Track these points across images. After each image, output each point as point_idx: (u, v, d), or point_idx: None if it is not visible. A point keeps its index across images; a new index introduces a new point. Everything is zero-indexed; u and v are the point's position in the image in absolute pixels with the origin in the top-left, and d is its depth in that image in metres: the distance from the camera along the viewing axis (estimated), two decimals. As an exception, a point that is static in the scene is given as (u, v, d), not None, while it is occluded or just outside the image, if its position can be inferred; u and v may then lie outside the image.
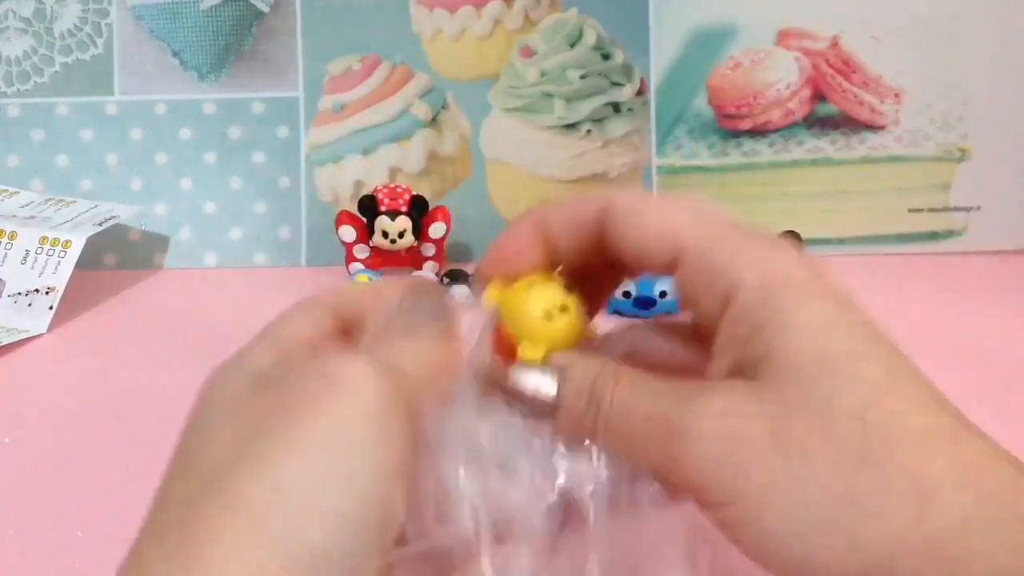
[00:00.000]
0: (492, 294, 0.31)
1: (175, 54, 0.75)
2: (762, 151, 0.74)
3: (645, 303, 0.61)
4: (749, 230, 0.28)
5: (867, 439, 0.24)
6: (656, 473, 0.27)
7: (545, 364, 0.29)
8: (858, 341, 0.26)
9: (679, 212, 0.29)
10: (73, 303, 0.64)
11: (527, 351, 0.29)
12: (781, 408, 0.25)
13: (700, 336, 0.29)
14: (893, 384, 0.25)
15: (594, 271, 0.32)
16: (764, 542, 0.25)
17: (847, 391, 0.25)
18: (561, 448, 0.29)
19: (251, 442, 0.25)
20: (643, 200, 0.30)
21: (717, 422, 0.25)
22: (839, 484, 0.24)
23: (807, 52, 0.74)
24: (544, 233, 0.31)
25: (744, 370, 0.26)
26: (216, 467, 0.25)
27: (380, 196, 0.66)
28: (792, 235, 0.62)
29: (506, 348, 0.30)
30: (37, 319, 0.62)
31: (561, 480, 0.29)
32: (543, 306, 0.29)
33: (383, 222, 0.66)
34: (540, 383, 0.29)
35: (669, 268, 0.29)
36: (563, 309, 0.29)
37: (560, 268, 0.31)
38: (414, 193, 0.67)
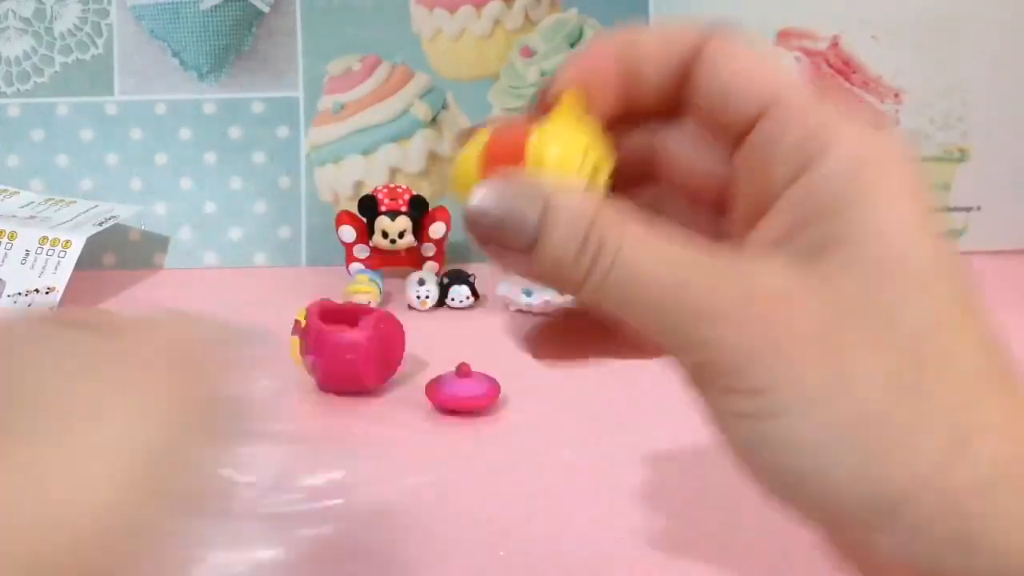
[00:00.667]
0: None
1: (175, 54, 0.75)
2: (762, 151, 0.74)
3: None
4: (852, 103, 0.25)
5: (917, 370, 0.22)
6: (669, 347, 0.23)
7: (528, 181, 0.23)
8: (935, 257, 0.23)
9: (779, 65, 0.25)
10: (73, 303, 0.64)
11: (531, 156, 0.24)
12: (837, 305, 0.22)
13: (741, 201, 0.25)
14: (957, 316, 0.23)
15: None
16: (777, 445, 0.22)
17: (912, 312, 0.22)
18: None
19: None
20: (743, 44, 0.25)
21: (762, 309, 0.22)
22: (876, 408, 0.22)
23: (807, 52, 0.74)
24: (630, 59, 0.26)
25: (802, 247, 0.23)
26: None
27: (380, 196, 0.66)
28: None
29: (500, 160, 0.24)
30: (37, 319, 0.62)
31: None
32: (575, 159, 0.24)
33: (383, 222, 0.66)
34: (514, 206, 0.23)
35: (753, 118, 0.24)
36: (595, 170, 0.24)
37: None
38: (414, 193, 0.67)
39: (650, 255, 0.23)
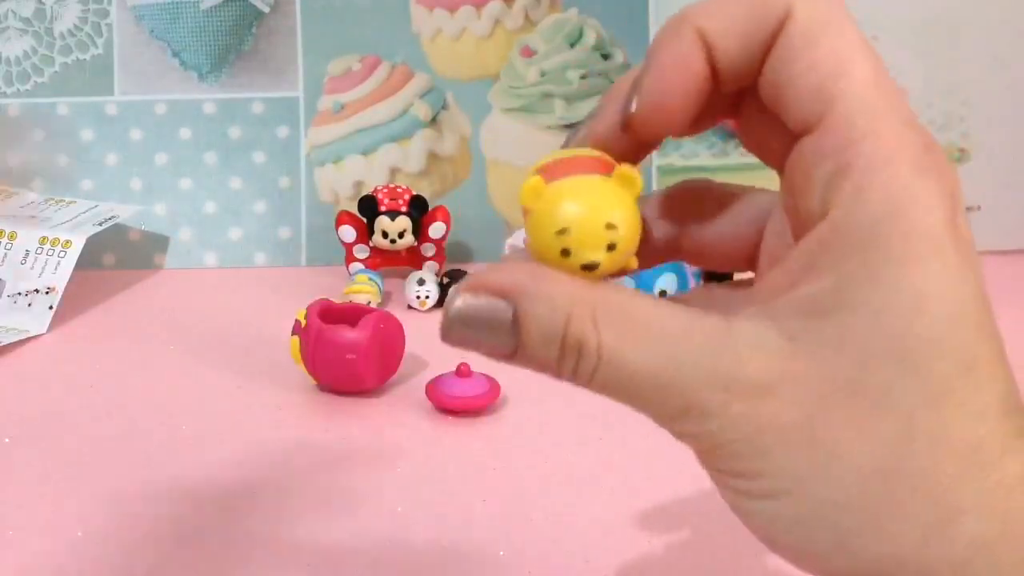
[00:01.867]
0: (528, 191, 0.23)
1: (175, 54, 0.75)
2: (762, 151, 0.74)
3: None
4: (914, 137, 0.22)
5: (903, 452, 0.21)
6: (657, 422, 0.23)
7: (494, 288, 0.22)
8: (956, 327, 0.21)
9: (861, 57, 0.22)
10: (73, 303, 0.64)
11: None
12: (823, 389, 0.22)
13: (792, 221, 0.24)
14: (965, 393, 0.22)
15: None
16: (765, 522, 0.23)
17: (903, 393, 0.21)
18: None
19: None
20: (828, 15, 0.22)
21: (743, 404, 0.22)
22: (856, 493, 0.22)
23: (807, 52, 0.74)
24: (707, 50, 0.23)
25: (799, 311, 0.22)
26: None
27: (380, 196, 0.66)
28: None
29: None
30: (37, 319, 0.62)
31: None
32: (585, 258, 0.23)
33: (383, 222, 0.66)
34: (487, 318, 0.22)
35: (806, 129, 0.22)
36: (610, 248, 0.23)
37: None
38: (414, 193, 0.67)
39: (632, 349, 0.22)
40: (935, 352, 0.21)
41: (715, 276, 0.62)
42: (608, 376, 0.22)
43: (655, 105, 0.23)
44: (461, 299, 0.22)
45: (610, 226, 0.23)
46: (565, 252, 0.22)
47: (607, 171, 0.23)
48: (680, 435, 0.23)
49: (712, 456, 0.23)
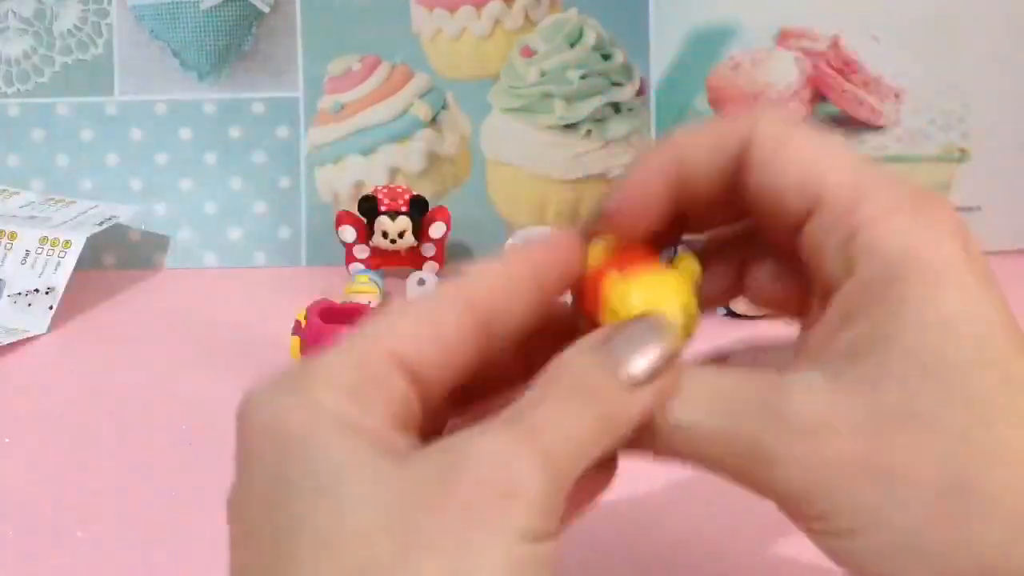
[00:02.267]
0: (618, 299, 0.25)
1: (175, 54, 0.75)
2: (762, 151, 0.74)
3: None
4: (905, 188, 0.24)
5: (965, 469, 0.22)
6: (736, 481, 0.25)
7: None
8: (986, 345, 0.23)
9: (828, 151, 0.25)
10: (73, 303, 0.64)
11: None
12: (879, 421, 0.23)
13: (815, 291, 0.26)
14: (1009, 402, 0.23)
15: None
16: (853, 558, 0.24)
17: (953, 411, 0.22)
18: None
19: (418, 551, 0.21)
20: (788, 131, 0.25)
21: (804, 445, 0.23)
22: (932, 508, 0.22)
23: (807, 52, 0.74)
24: (679, 175, 0.26)
25: (842, 354, 0.24)
26: (369, 564, 0.21)
27: (380, 196, 0.66)
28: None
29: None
30: (37, 319, 0.62)
31: None
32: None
33: (383, 222, 0.66)
34: None
35: (803, 219, 0.25)
36: (685, 331, 0.25)
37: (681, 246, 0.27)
38: (414, 193, 0.67)
39: (693, 411, 0.24)
40: (971, 371, 0.23)
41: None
42: (676, 440, 0.24)
43: (627, 202, 0.26)
44: None
45: (687, 314, 0.26)
46: None
47: (654, 258, 0.26)
48: (757, 488, 0.24)
49: (790, 506, 0.24)
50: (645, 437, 0.24)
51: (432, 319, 0.24)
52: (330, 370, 0.23)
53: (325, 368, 0.23)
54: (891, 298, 0.23)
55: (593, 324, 0.26)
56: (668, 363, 0.24)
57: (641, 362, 0.24)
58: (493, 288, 0.25)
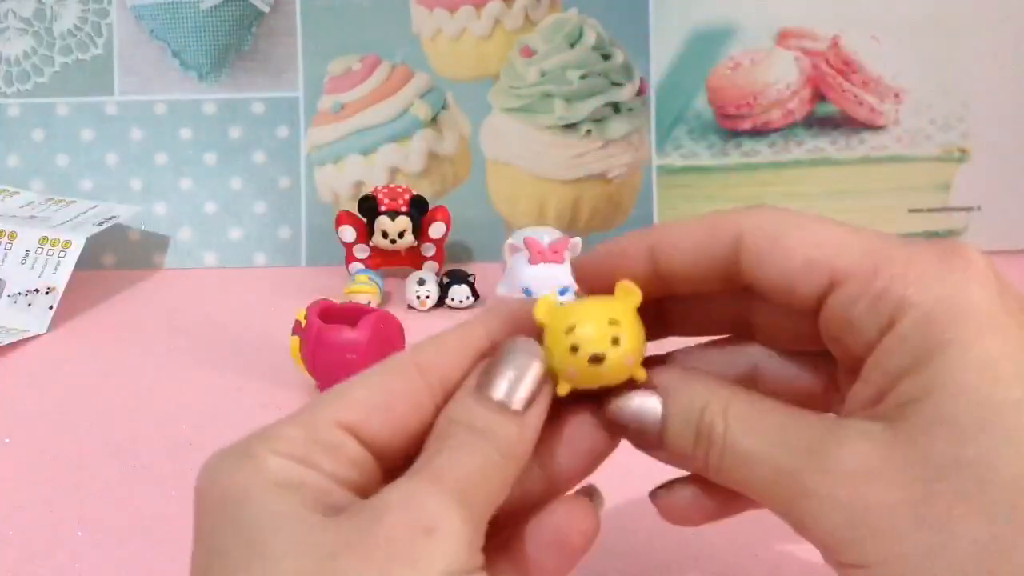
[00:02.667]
0: (542, 304, 0.26)
1: (175, 54, 0.75)
2: (762, 151, 0.74)
3: None
4: (922, 243, 0.25)
5: (1015, 524, 0.22)
6: (783, 517, 0.25)
7: (648, 385, 0.26)
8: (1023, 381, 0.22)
9: (831, 231, 0.25)
10: (73, 303, 0.64)
11: (561, 388, 0.26)
12: (926, 471, 0.22)
13: (839, 366, 0.26)
14: None
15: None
16: None
17: (1006, 455, 0.22)
18: None
19: None
20: (783, 221, 0.26)
21: (849, 488, 0.23)
22: (980, 565, 0.22)
23: (807, 52, 0.74)
24: (656, 259, 0.27)
25: (890, 409, 0.23)
26: None
27: (380, 196, 0.66)
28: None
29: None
30: (37, 319, 0.62)
31: None
32: (591, 350, 0.25)
33: (383, 222, 0.66)
34: (642, 408, 0.26)
35: (819, 298, 0.25)
36: (615, 342, 0.25)
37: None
38: (414, 193, 0.67)
39: (748, 435, 0.25)
40: (1019, 410, 0.22)
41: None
42: (731, 462, 0.25)
43: (594, 263, 0.28)
44: (623, 394, 0.26)
45: (613, 321, 0.25)
46: (574, 348, 0.25)
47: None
48: (797, 527, 0.24)
49: (830, 548, 0.24)
50: (699, 456, 0.25)
51: (383, 387, 0.25)
52: (279, 435, 0.24)
53: (275, 433, 0.24)
54: (932, 348, 0.23)
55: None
56: (543, 382, 0.26)
57: (518, 390, 0.25)
58: (442, 352, 0.26)
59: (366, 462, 0.25)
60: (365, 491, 0.24)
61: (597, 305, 0.26)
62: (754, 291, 0.26)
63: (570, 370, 0.25)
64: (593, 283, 0.28)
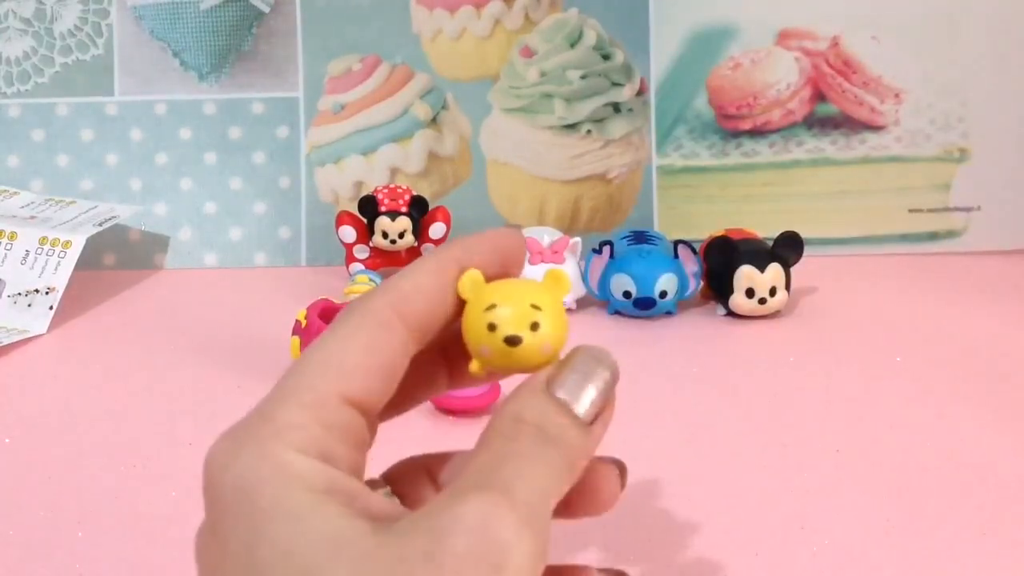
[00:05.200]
0: (466, 280, 0.25)
1: (175, 54, 0.75)
2: (762, 151, 0.74)
3: (645, 303, 0.61)
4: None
5: None
6: None
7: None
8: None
9: None
10: (73, 303, 0.64)
11: (474, 366, 0.25)
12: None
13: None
14: None
15: None
16: None
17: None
18: None
19: None
20: None
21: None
22: None
23: (807, 52, 0.74)
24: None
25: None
26: None
27: (380, 196, 0.66)
28: (792, 235, 0.62)
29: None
30: (37, 319, 0.62)
31: None
32: (508, 331, 0.24)
33: (383, 222, 0.66)
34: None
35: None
36: (534, 327, 0.25)
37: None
38: (414, 193, 0.67)
39: None
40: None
41: (718, 281, 0.62)
42: None
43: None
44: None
45: (534, 307, 0.24)
46: (491, 327, 0.24)
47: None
48: None
49: None
50: None
51: (373, 346, 0.24)
52: (290, 423, 0.22)
53: (285, 420, 0.23)
54: None
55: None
56: (610, 393, 0.25)
57: (589, 400, 0.24)
58: (422, 298, 0.25)
59: (363, 432, 0.24)
60: (360, 466, 0.24)
61: (521, 287, 0.25)
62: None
63: (484, 348, 0.25)
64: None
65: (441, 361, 0.27)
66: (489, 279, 0.26)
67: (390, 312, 0.24)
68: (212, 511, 0.22)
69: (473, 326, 0.25)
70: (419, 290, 0.25)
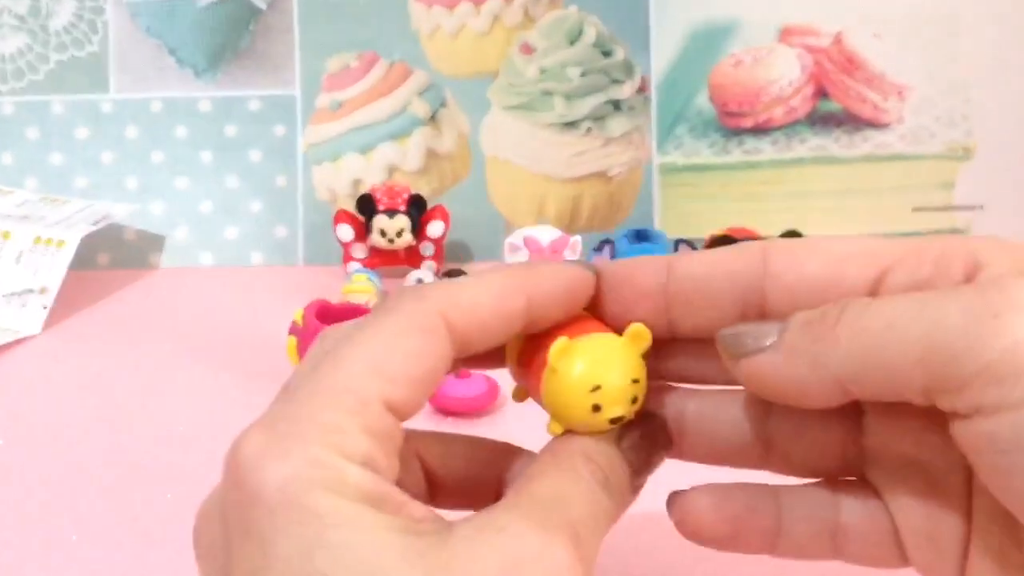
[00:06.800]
0: (558, 352, 0.24)
1: (171, 51, 0.74)
2: (764, 149, 0.74)
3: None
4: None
5: None
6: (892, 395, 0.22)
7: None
8: None
9: (863, 237, 0.24)
10: (67, 303, 0.64)
11: (555, 428, 0.25)
12: None
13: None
14: None
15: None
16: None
17: None
18: None
19: None
20: (808, 239, 0.24)
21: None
22: None
23: (810, 49, 0.74)
24: (672, 295, 0.25)
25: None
26: None
27: (378, 195, 0.66)
28: (794, 234, 0.61)
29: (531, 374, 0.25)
30: (31, 319, 0.62)
31: None
32: (614, 413, 0.24)
33: (381, 221, 0.65)
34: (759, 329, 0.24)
35: (869, 285, 0.23)
36: (634, 401, 0.25)
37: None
38: (412, 192, 0.67)
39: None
40: None
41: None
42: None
43: (613, 283, 0.26)
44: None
45: (635, 381, 0.24)
46: (596, 408, 0.24)
47: (607, 327, 0.25)
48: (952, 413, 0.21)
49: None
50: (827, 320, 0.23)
51: (420, 353, 0.23)
52: (337, 426, 0.22)
53: (331, 424, 0.22)
54: None
55: (527, 381, 0.26)
56: (657, 466, 0.26)
57: (645, 467, 0.25)
58: (477, 317, 0.24)
59: (401, 441, 0.23)
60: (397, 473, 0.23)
61: (614, 355, 0.24)
62: (776, 318, 0.24)
63: (583, 424, 0.24)
64: (602, 305, 0.26)
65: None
66: (550, 318, 0.25)
67: (439, 319, 0.23)
68: (248, 511, 0.21)
69: (572, 403, 0.24)
70: (477, 307, 0.24)
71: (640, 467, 0.25)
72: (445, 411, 0.50)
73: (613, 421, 0.24)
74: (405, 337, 0.23)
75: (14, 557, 0.39)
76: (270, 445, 0.21)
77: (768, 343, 0.23)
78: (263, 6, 0.74)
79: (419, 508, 0.22)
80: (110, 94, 0.74)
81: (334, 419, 0.22)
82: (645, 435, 0.25)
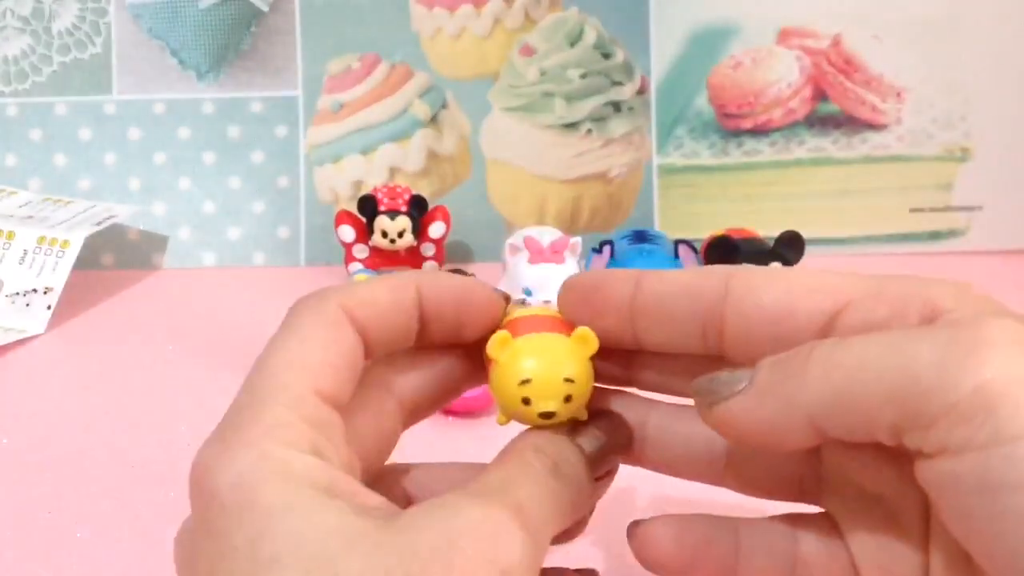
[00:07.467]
0: (496, 343, 0.25)
1: (174, 53, 0.74)
2: (763, 150, 0.74)
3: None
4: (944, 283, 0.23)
5: None
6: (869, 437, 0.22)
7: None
8: None
9: (828, 276, 0.24)
10: (71, 303, 0.64)
11: (502, 420, 0.26)
12: None
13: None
14: None
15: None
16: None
17: None
18: None
19: None
20: (771, 270, 0.25)
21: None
22: None
23: (808, 51, 0.74)
24: (642, 306, 0.26)
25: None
26: None
27: (379, 196, 0.66)
28: (793, 235, 0.61)
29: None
30: (35, 319, 0.62)
31: None
32: (543, 407, 0.25)
33: (382, 222, 0.65)
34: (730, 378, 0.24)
35: (821, 324, 0.24)
36: (567, 399, 0.25)
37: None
38: (414, 193, 0.67)
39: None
40: None
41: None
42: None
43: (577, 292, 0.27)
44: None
45: (568, 380, 0.25)
46: (526, 401, 0.25)
47: (567, 331, 0.26)
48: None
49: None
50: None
51: (333, 343, 0.24)
52: (276, 421, 0.23)
53: (271, 419, 0.23)
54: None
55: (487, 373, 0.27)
56: (618, 461, 0.27)
57: (602, 457, 0.26)
58: (375, 308, 0.25)
59: (344, 429, 0.24)
60: (348, 461, 0.24)
61: (552, 353, 0.25)
62: (733, 343, 0.25)
63: (517, 416, 0.25)
64: (573, 313, 0.27)
65: (466, 358, 0.28)
66: (436, 319, 0.26)
67: (341, 312, 0.25)
68: (206, 512, 0.22)
69: (506, 395, 0.25)
70: (373, 299, 0.25)
71: (596, 458, 0.26)
72: (445, 411, 0.50)
73: (544, 416, 0.25)
74: (315, 331, 0.24)
75: (18, 554, 0.40)
76: (222, 452, 0.22)
77: (740, 388, 0.23)
78: (265, 8, 0.74)
79: (371, 496, 0.23)
80: (113, 96, 0.74)
81: (275, 415, 0.23)
82: (601, 429, 0.26)
